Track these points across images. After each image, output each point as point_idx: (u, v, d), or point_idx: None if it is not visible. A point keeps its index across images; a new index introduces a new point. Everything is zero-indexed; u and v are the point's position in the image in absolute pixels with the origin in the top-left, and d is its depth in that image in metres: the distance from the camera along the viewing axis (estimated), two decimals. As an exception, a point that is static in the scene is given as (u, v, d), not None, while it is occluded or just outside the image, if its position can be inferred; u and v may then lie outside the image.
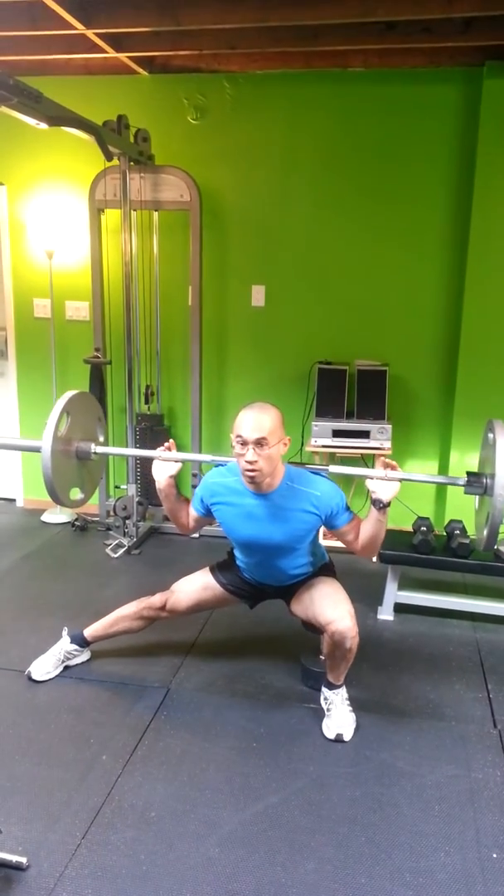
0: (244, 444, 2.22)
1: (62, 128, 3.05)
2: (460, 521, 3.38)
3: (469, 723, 2.57)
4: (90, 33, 3.47)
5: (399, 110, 3.95)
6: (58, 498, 2.33)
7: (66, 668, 2.81)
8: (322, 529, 2.72)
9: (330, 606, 2.44)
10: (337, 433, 3.97)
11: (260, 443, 2.21)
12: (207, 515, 2.53)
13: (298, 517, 2.38)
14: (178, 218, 4.12)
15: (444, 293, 4.08)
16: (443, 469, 4.24)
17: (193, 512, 2.55)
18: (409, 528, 3.45)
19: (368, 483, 2.30)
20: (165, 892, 1.83)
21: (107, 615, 2.80)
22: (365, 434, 3.95)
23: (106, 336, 4.25)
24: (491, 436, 2.21)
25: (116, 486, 4.41)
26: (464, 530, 3.30)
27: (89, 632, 2.80)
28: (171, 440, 2.49)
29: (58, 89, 3.15)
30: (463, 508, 3.93)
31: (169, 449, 2.45)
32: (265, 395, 4.39)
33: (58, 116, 2.91)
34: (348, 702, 2.55)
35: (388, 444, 3.93)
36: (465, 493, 2.30)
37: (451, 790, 2.23)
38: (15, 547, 4.14)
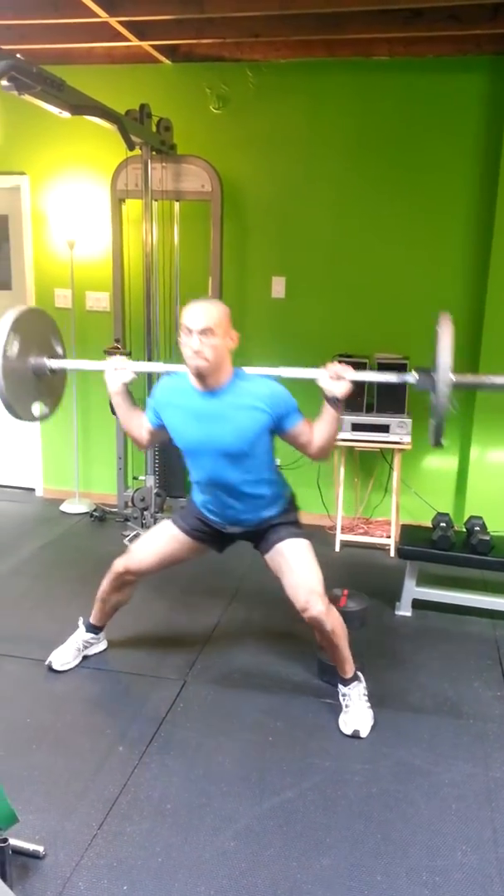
0: (190, 332, 2.21)
1: (84, 117, 3.04)
2: (480, 518, 3.34)
3: (488, 721, 2.55)
4: (113, 21, 3.44)
5: (424, 99, 3.89)
6: (17, 413, 2.34)
7: (84, 657, 2.82)
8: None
9: (300, 589, 2.37)
10: (356, 427, 3.94)
11: (205, 332, 2.20)
12: (160, 426, 2.47)
13: (247, 415, 2.30)
14: (199, 208, 4.10)
15: (467, 286, 4.02)
16: (463, 464, 4.19)
17: (147, 423, 2.49)
18: (429, 524, 3.42)
19: (320, 382, 2.29)
20: (181, 885, 1.84)
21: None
22: (384, 428, 3.91)
23: (126, 327, 4.25)
24: (437, 329, 2.17)
25: (135, 478, 4.42)
26: (484, 527, 3.26)
27: (92, 617, 2.81)
28: (127, 352, 2.49)
29: (80, 78, 3.14)
30: (483, 504, 3.90)
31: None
32: (284, 386, 4.37)
33: (80, 105, 2.90)
34: (366, 697, 2.53)
35: (407, 439, 3.90)
36: (416, 389, 2.27)
37: (468, 789, 2.22)
38: (34, 536, 4.16)
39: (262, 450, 2.40)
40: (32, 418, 2.46)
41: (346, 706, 2.51)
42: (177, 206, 4.13)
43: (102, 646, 2.89)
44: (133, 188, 3.99)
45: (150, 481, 4.18)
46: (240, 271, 4.25)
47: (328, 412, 2.33)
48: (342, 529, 4.14)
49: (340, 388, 2.27)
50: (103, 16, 3.35)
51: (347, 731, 2.44)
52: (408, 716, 2.56)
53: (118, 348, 4.13)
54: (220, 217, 3.99)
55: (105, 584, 2.70)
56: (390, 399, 3.95)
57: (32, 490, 4.91)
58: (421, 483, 4.26)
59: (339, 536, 4.10)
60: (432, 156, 3.93)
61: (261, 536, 2.53)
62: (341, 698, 2.54)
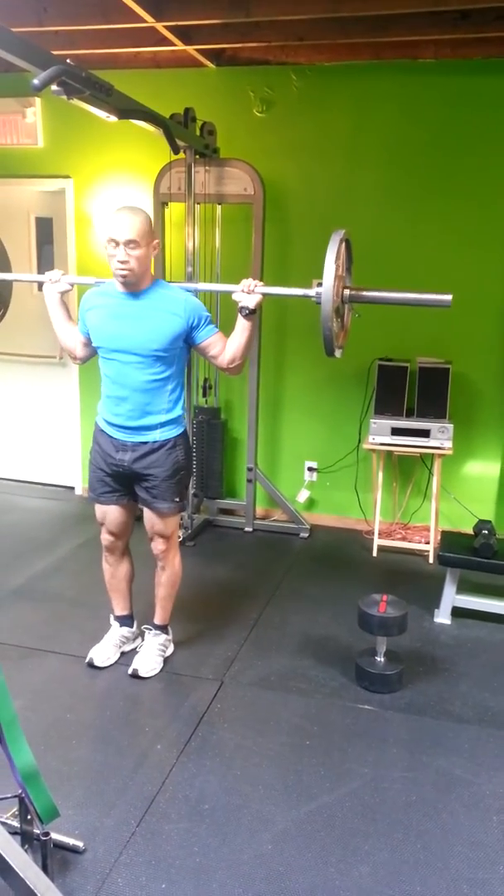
0: (116, 244, 2.36)
1: (129, 121, 3.07)
2: (523, 525, 3.29)
3: (529, 733, 2.50)
4: (160, 26, 3.48)
5: (470, 102, 3.84)
6: None
7: (121, 654, 2.85)
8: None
9: (150, 530, 2.67)
10: (396, 431, 3.91)
11: (130, 244, 2.35)
12: (90, 337, 2.60)
13: (163, 317, 2.47)
14: (241, 211, 4.11)
15: (512, 290, 3.96)
16: (505, 471, 4.13)
17: (80, 336, 2.65)
18: (469, 531, 3.37)
19: (235, 295, 2.47)
20: (218, 886, 1.84)
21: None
22: (425, 433, 3.87)
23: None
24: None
25: (173, 478, 4.44)
26: (527, 535, 3.20)
27: (116, 610, 2.90)
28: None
29: (125, 82, 3.16)
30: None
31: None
32: (322, 390, 4.37)
33: (127, 109, 2.93)
34: (163, 650, 2.80)
35: (448, 444, 3.85)
36: (315, 303, 2.34)
37: (510, 801, 2.18)
38: (73, 534, 4.21)
39: (173, 359, 2.53)
40: None
41: (139, 648, 2.80)
42: (219, 209, 4.15)
43: (138, 641, 2.92)
44: (176, 191, 4.02)
45: (188, 482, 4.20)
46: (281, 274, 4.25)
47: (241, 323, 2.50)
48: (380, 534, 4.11)
49: (252, 300, 2.45)
50: (150, 21, 3.39)
51: (129, 671, 2.70)
52: (448, 725, 2.52)
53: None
54: (262, 220, 4.00)
55: (105, 567, 2.86)
56: (431, 403, 3.91)
57: (72, 489, 4.97)
58: (461, 489, 4.20)
59: (377, 541, 4.07)
60: (479, 158, 3.88)
61: (147, 482, 2.60)
62: (140, 638, 2.85)
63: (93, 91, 2.61)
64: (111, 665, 2.80)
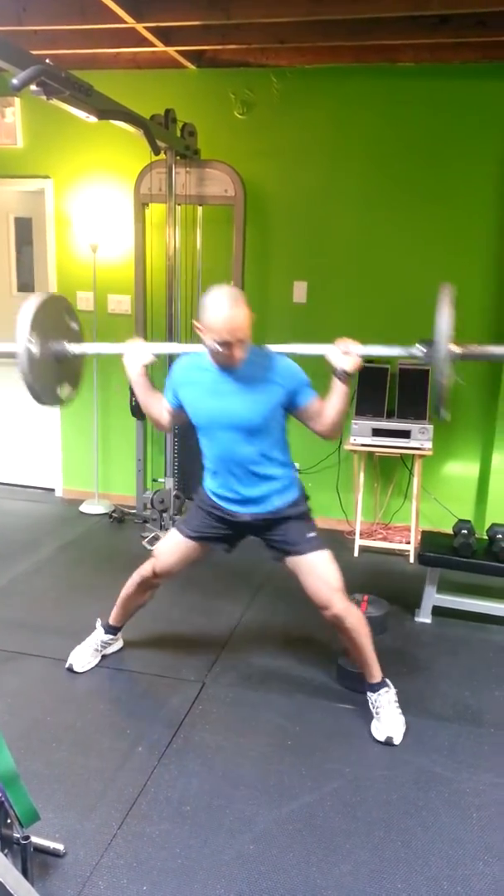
0: (228, 345, 2.23)
1: (109, 122, 3.06)
2: (502, 525, 3.32)
3: (508, 730, 2.53)
4: (140, 27, 3.47)
5: (449, 106, 3.88)
6: (42, 399, 2.40)
7: (102, 657, 2.83)
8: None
9: (321, 588, 2.40)
10: (377, 432, 3.93)
11: (241, 340, 2.24)
12: (180, 408, 2.49)
13: (263, 388, 2.35)
14: (222, 212, 4.11)
15: (490, 293, 4.01)
16: (484, 471, 4.17)
17: (167, 405, 2.53)
18: (449, 531, 3.40)
19: (330, 357, 2.32)
20: (200, 886, 1.84)
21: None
22: (405, 434, 3.90)
23: (147, 330, 4.27)
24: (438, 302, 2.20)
25: (154, 480, 4.43)
26: (506, 534, 3.24)
27: (112, 619, 2.83)
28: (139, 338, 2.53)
29: (106, 83, 3.16)
30: (505, 512, 3.88)
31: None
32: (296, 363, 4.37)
33: (107, 110, 2.92)
34: (397, 703, 2.51)
35: (428, 445, 3.88)
36: (424, 361, 2.31)
37: (489, 798, 2.19)
38: (53, 536, 4.19)
39: (276, 426, 2.43)
40: (59, 402, 2.51)
41: (377, 713, 2.48)
42: (200, 210, 4.15)
43: (119, 645, 2.91)
44: (157, 192, 4.01)
45: (169, 483, 4.19)
46: (262, 276, 4.26)
47: (338, 387, 2.36)
48: (361, 535, 4.13)
49: (350, 363, 2.31)
50: (130, 21, 3.38)
51: (380, 737, 2.42)
52: (428, 723, 2.54)
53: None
54: (243, 221, 4.01)
55: (129, 586, 2.72)
56: (412, 404, 3.94)
57: (52, 490, 4.94)
58: (441, 489, 4.23)
59: (358, 542, 4.09)
60: (457, 161, 3.92)
61: (272, 531, 2.50)
62: (371, 705, 2.51)
63: (72, 91, 2.60)
64: (91, 668, 2.78)
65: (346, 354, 2.30)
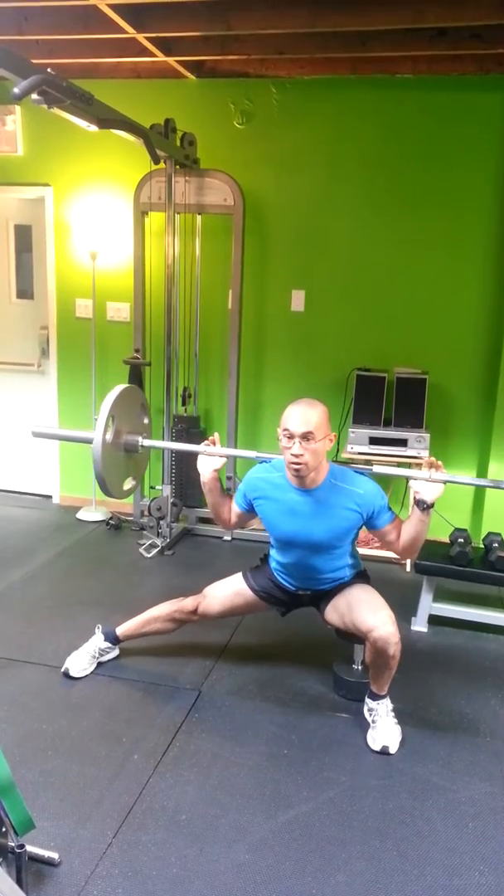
0: (291, 437, 2.26)
1: (109, 131, 3.08)
2: (499, 534, 3.32)
3: (504, 740, 2.53)
4: (141, 37, 3.50)
5: (446, 117, 3.91)
6: (110, 491, 2.38)
7: (98, 664, 2.83)
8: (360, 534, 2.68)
9: (370, 612, 2.41)
10: (374, 440, 3.94)
11: (307, 437, 2.24)
12: (250, 511, 2.54)
13: (340, 514, 2.38)
14: (221, 221, 4.13)
15: (487, 302, 4.03)
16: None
17: (236, 508, 2.57)
18: (446, 540, 3.41)
19: (413, 483, 2.31)
20: (195, 896, 1.83)
21: (139, 614, 2.82)
22: (402, 442, 3.91)
23: (146, 337, 4.28)
24: None
25: (151, 487, 4.43)
26: (502, 544, 3.24)
27: (122, 630, 2.82)
28: (216, 434, 2.52)
29: (106, 92, 3.18)
30: (502, 521, 3.88)
31: (213, 443, 2.48)
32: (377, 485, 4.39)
33: (108, 119, 2.94)
34: (393, 714, 2.51)
35: (425, 453, 3.89)
36: None
37: (485, 807, 2.19)
38: (50, 543, 4.18)
39: (349, 540, 2.50)
40: (123, 495, 2.50)
41: (374, 721, 2.49)
42: (199, 219, 4.17)
43: (115, 652, 2.90)
44: (156, 201, 4.03)
45: (166, 491, 4.19)
46: (260, 284, 4.28)
47: (417, 515, 2.33)
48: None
49: (433, 494, 2.28)
50: (131, 32, 3.41)
51: (376, 747, 2.42)
52: (424, 732, 2.54)
53: (138, 358, 4.17)
54: (242, 230, 4.03)
55: (164, 610, 2.74)
56: (409, 413, 3.95)
57: (49, 497, 4.94)
58: (438, 498, 4.23)
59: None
60: (453, 172, 3.95)
61: (328, 598, 2.58)
62: (367, 713, 2.52)
63: (73, 100, 2.62)
64: (87, 676, 2.78)
65: (430, 482, 2.27)
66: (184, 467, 4.28)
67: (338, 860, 1.97)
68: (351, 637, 2.61)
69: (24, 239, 4.73)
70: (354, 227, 4.13)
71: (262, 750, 2.41)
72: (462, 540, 3.24)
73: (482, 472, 4.16)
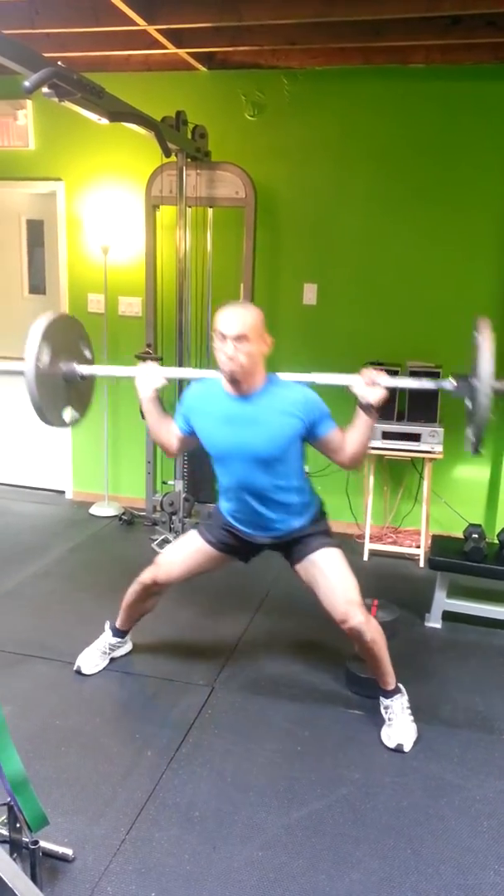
0: (224, 339, 2.21)
1: (120, 124, 3.06)
2: (514, 530, 3.29)
3: (520, 737, 2.51)
4: (152, 29, 3.47)
5: (460, 107, 3.86)
6: (49, 420, 2.37)
7: (111, 660, 2.83)
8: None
9: (335, 598, 2.36)
10: (387, 435, 3.91)
11: (240, 338, 2.19)
12: (191, 434, 2.46)
13: (280, 420, 2.29)
14: (233, 214, 4.11)
15: (501, 295, 3.98)
16: (496, 475, 4.14)
17: (177, 431, 2.49)
18: (460, 535, 3.38)
19: (354, 388, 2.27)
20: (209, 893, 1.83)
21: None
22: (416, 437, 3.88)
23: (158, 332, 4.27)
24: (476, 335, 2.12)
25: (164, 482, 4.43)
26: (517, 539, 3.21)
27: (118, 622, 2.82)
28: (158, 358, 2.47)
29: (117, 85, 3.15)
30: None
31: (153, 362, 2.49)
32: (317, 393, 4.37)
33: (119, 112, 2.92)
34: (409, 710, 2.49)
35: (439, 448, 3.85)
36: (454, 397, 2.23)
37: (500, 806, 2.18)
38: (63, 539, 4.19)
39: (293, 456, 2.38)
40: (63, 424, 2.49)
41: (389, 719, 2.46)
42: (210, 212, 4.14)
43: (128, 647, 2.90)
44: (167, 195, 4.01)
45: (178, 486, 4.19)
46: (271, 277, 4.25)
47: (361, 419, 2.31)
48: (370, 538, 4.11)
49: (375, 395, 2.25)
50: (142, 24, 3.38)
51: (391, 744, 2.40)
52: (438, 730, 2.52)
53: (149, 353, 4.15)
54: (253, 223, 4.00)
55: (131, 593, 2.70)
56: (422, 407, 3.92)
57: (62, 493, 4.94)
58: (452, 493, 4.21)
59: (368, 545, 4.07)
60: (467, 163, 3.90)
61: (290, 547, 2.50)
62: (383, 711, 2.49)
63: (84, 93, 2.60)
64: (100, 672, 2.78)
65: (371, 385, 2.24)
66: (196, 462, 4.27)
67: (352, 858, 1.96)
68: None
69: (36, 234, 4.73)
70: (367, 219, 4.09)
71: (276, 747, 2.40)
72: (476, 535, 3.21)
73: (497, 467, 4.13)
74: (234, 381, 2.27)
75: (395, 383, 2.31)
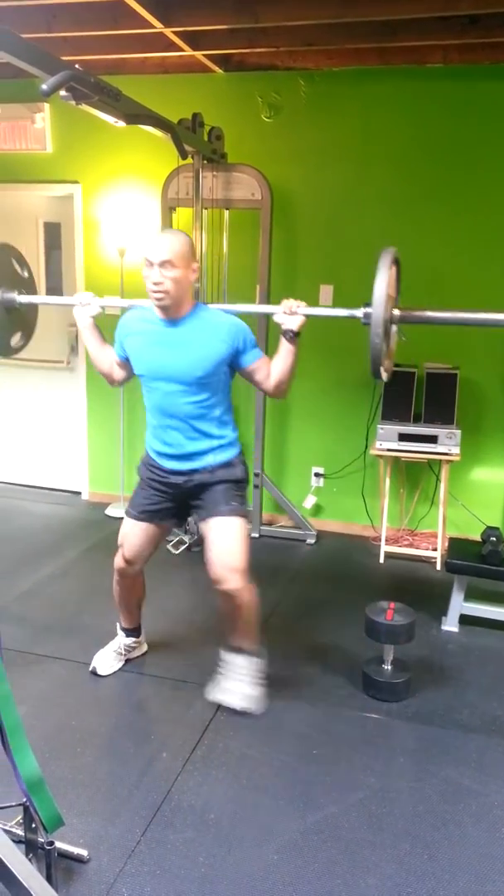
0: (151, 265, 2.28)
1: (137, 126, 3.07)
2: (532, 533, 3.26)
3: (538, 743, 2.48)
4: (168, 32, 3.48)
5: (479, 107, 3.83)
6: None
7: (127, 661, 2.84)
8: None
9: (218, 564, 2.43)
10: (403, 437, 3.89)
11: (166, 265, 2.26)
12: (127, 360, 2.53)
13: (207, 343, 2.37)
14: (249, 216, 4.10)
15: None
16: (513, 477, 4.10)
17: (116, 357, 2.58)
18: (477, 538, 3.35)
19: (276, 317, 2.38)
20: (224, 897, 1.82)
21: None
22: (433, 439, 3.85)
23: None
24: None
25: (179, 483, 4.43)
26: (536, 542, 3.18)
27: (123, 622, 2.85)
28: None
29: (134, 88, 3.16)
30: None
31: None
32: (330, 395, 4.36)
33: (136, 114, 2.93)
34: (251, 678, 2.56)
35: (456, 450, 3.82)
36: (363, 324, 2.28)
37: (519, 812, 2.15)
38: (79, 540, 4.21)
39: (218, 383, 2.44)
40: (10, 351, 2.56)
41: (227, 674, 2.55)
42: (226, 214, 4.15)
43: (143, 649, 2.91)
44: (184, 196, 4.02)
45: (194, 488, 4.18)
46: (288, 279, 4.24)
47: (284, 346, 2.40)
48: (387, 541, 4.09)
49: (295, 322, 2.36)
50: (158, 26, 3.39)
51: (209, 696, 2.54)
52: (455, 734, 2.50)
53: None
54: (270, 225, 4.00)
55: (116, 586, 2.76)
56: (439, 409, 3.89)
57: (78, 494, 4.96)
58: (469, 495, 4.18)
59: (384, 548, 4.04)
60: (486, 164, 3.87)
61: (201, 495, 2.51)
62: (226, 666, 2.58)
63: (101, 96, 2.61)
64: (116, 673, 2.79)
65: (291, 315, 2.34)
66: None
67: (367, 863, 1.94)
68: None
69: (53, 236, 4.75)
70: (383, 220, 4.07)
71: (291, 750, 2.39)
72: (494, 538, 3.18)
73: (515, 469, 4.09)
74: (163, 307, 2.35)
75: (312, 312, 2.41)
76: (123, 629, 2.85)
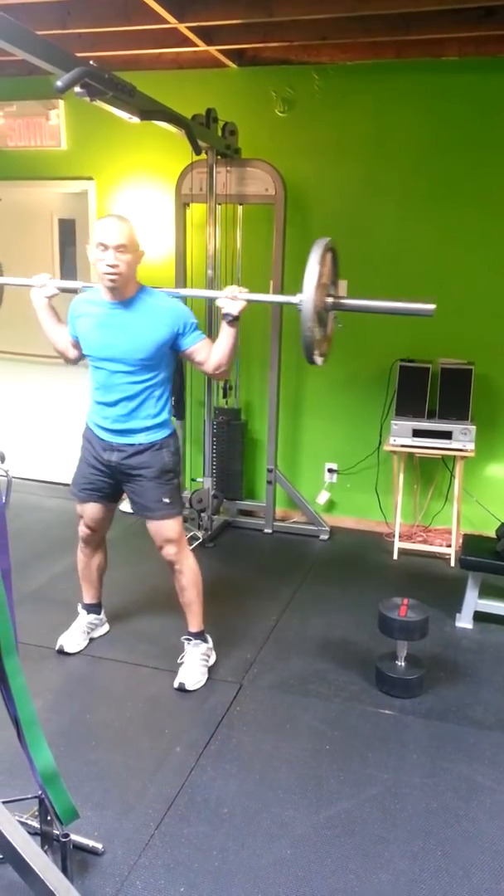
0: (105, 248, 2.39)
1: (151, 122, 3.07)
2: (547, 529, 3.24)
3: (553, 740, 2.46)
4: (182, 27, 3.48)
5: (496, 100, 3.79)
6: None
7: (90, 640, 2.97)
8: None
9: (157, 537, 2.68)
10: (417, 433, 3.87)
11: (119, 248, 2.39)
12: (78, 340, 2.66)
13: (150, 325, 2.49)
14: (262, 211, 4.10)
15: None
16: (528, 473, 4.08)
17: (69, 337, 2.70)
18: (491, 534, 3.33)
19: (218, 301, 2.51)
20: (237, 890, 1.83)
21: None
22: (447, 435, 3.83)
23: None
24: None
25: (193, 479, 4.44)
26: (551, 539, 3.16)
27: (85, 597, 2.99)
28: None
29: (148, 84, 3.16)
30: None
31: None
32: (343, 391, 4.35)
33: (150, 110, 2.93)
34: (205, 659, 2.75)
35: (470, 446, 3.80)
36: (297, 310, 2.31)
37: (533, 810, 2.14)
38: (93, 535, 4.22)
39: (160, 365, 2.56)
40: None
41: (182, 661, 2.72)
42: (240, 209, 4.14)
43: (105, 628, 3.04)
44: (197, 192, 4.02)
45: (207, 483, 4.20)
46: (301, 274, 4.20)
47: (225, 330, 2.52)
48: (400, 537, 4.08)
49: (236, 307, 2.46)
50: (172, 22, 3.39)
51: (175, 683, 2.64)
52: (469, 731, 2.49)
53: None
54: (283, 220, 3.99)
55: (79, 554, 2.92)
56: (453, 405, 3.87)
57: (92, 489, 4.98)
58: (484, 491, 4.15)
59: (398, 544, 4.03)
60: (502, 158, 3.83)
61: (133, 481, 2.64)
62: (183, 654, 2.74)
63: (115, 92, 2.62)
64: (129, 668, 2.80)
65: (233, 300, 2.45)
66: (225, 459, 4.28)
67: (381, 858, 1.95)
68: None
69: (68, 232, 4.77)
70: (398, 215, 4.05)
71: (304, 745, 2.40)
72: (509, 535, 3.16)
73: (530, 466, 4.06)
74: (114, 288, 2.46)
75: (253, 297, 2.51)
76: (85, 606, 2.97)
